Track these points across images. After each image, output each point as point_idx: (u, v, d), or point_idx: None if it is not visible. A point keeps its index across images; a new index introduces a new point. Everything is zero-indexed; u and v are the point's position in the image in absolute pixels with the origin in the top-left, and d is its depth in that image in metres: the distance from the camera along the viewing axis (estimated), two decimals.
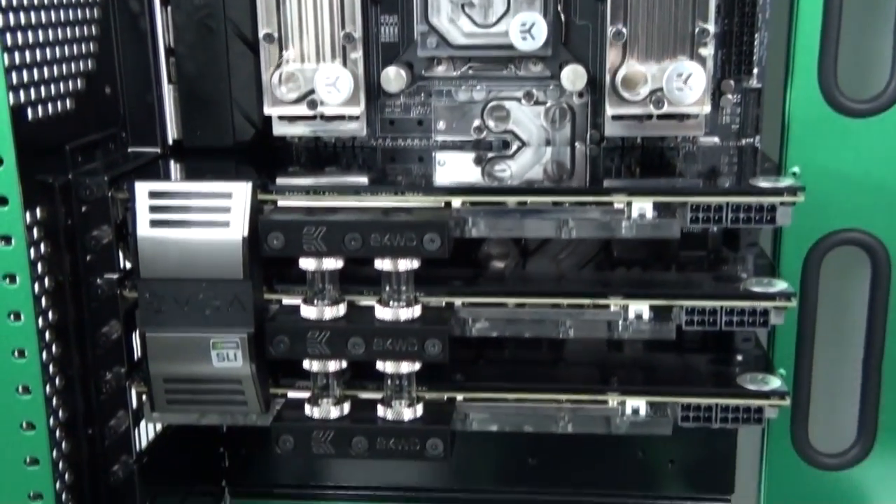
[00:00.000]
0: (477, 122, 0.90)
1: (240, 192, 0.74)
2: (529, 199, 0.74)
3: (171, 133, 0.88)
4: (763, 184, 0.73)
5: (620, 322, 0.77)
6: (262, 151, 0.90)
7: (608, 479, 0.98)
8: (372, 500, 1.00)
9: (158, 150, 0.86)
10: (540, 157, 0.89)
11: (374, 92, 0.88)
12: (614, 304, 0.76)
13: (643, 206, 0.73)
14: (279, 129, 0.87)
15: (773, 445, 0.93)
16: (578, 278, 0.85)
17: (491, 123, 0.90)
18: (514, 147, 0.91)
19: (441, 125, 0.90)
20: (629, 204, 0.73)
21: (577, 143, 0.90)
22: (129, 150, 0.86)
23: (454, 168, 0.86)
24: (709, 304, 0.74)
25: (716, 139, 0.89)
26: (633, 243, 0.90)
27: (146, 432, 0.84)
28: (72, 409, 0.76)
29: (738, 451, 0.97)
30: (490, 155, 0.89)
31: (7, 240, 0.68)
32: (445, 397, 0.79)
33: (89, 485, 0.78)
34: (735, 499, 0.97)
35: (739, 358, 0.86)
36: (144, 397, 0.78)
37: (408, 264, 0.73)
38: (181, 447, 0.92)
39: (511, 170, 0.85)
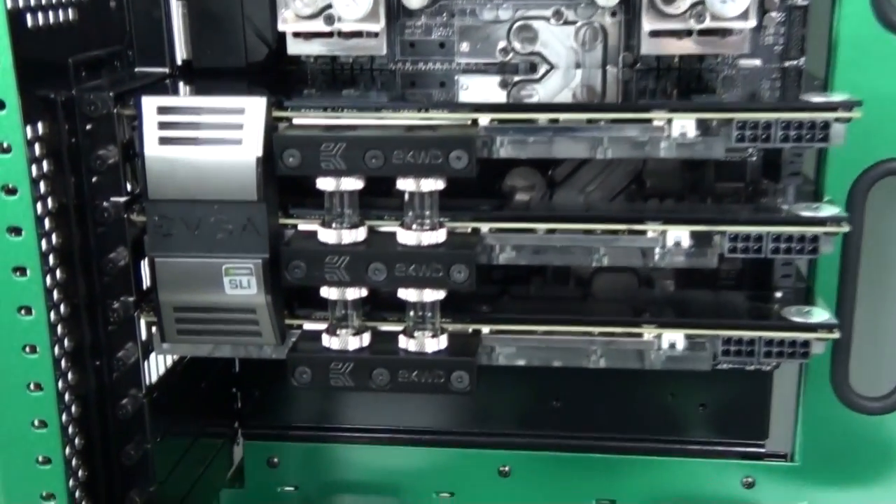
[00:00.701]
0: (502, 44, 0.85)
1: (254, 109, 0.69)
2: (562, 116, 0.69)
3: (180, 53, 0.83)
4: (816, 99, 0.67)
5: (657, 249, 0.72)
6: (276, 73, 0.85)
7: (636, 424, 0.94)
8: (390, 443, 0.97)
9: (167, 70, 0.82)
10: (569, 80, 0.84)
11: (394, 11, 0.83)
12: (652, 229, 0.71)
13: (685, 124, 0.68)
14: (294, 48, 0.82)
15: (811, 387, 0.88)
16: (609, 209, 0.80)
17: (517, 45, 0.86)
18: (542, 70, 0.86)
19: (464, 47, 0.86)
20: (669, 121, 0.68)
21: (608, 67, 0.85)
22: (136, 70, 0.81)
23: (478, 92, 0.82)
24: (754, 230, 0.70)
25: (757, 61, 0.83)
26: (667, 173, 0.86)
27: (156, 366, 0.80)
28: (78, 338, 0.73)
29: (772, 395, 0.93)
30: (516, 78, 0.84)
31: (6, 149, 0.64)
32: (470, 329, 0.75)
33: (98, 417, 0.75)
34: (769, 444, 0.94)
35: (778, 295, 0.81)
36: (154, 328, 0.75)
37: (432, 184, 0.68)
38: (193, 384, 0.89)
39: (538, 94, 0.81)
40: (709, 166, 0.86)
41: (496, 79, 0.85)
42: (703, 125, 0.68)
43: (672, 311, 0.79)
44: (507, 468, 0.96)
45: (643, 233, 0.71)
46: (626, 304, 0.81)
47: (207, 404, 0.94)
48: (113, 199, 0.72)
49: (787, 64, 0.83)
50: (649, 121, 0.69)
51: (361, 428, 0.98)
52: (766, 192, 0.83)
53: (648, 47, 0.79)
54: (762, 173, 0.85)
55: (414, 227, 0.70)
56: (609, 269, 0.84)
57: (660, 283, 0.87)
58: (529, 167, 0.85)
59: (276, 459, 0.98)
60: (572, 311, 0.78)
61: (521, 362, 0.77)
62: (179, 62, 0.83)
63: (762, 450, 0.93)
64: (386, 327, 0.74)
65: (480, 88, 0.82)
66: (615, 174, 0.86)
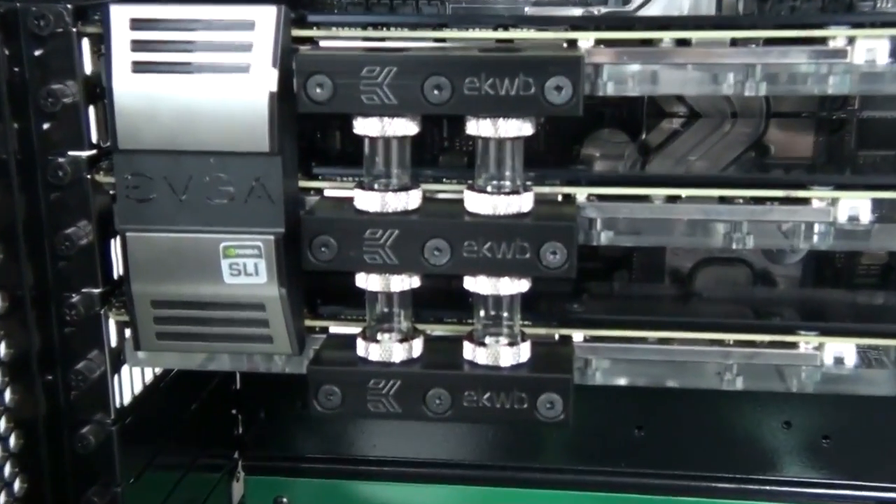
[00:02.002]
0: None
1: (266, 22, 0.51)
2: (695, 34, 0.51)
3: None
4: None
5: (821, 226, 0.53)
6: None
7: (740, 459, 0.78)
8: (423, 480, 0.83)
9: None
10: (673, 12, 0.65)
11: None
12: (819, 196, 0.51)
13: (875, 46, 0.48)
14: None
15: None
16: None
17: None
18: (637, 1, 0.66)
19: None
20: (852, 41, 0.49)
21: None
22: None
23: None
24: None
25: None
26: (795, 137, 0.69)
27: (131, 382, 0.64)
28: (20, 344, 0.59)
29: None
30: (604, 10, 0.66)
31: None
32: (557, 335, 0.57)
33: (48, 453, 0.61)
34: None
35: None
36: (127, 331, 0.59)
37: (517, 127, 0.49)
38: (180, 405, 0.73)
39: None
40: (849, 128, 0.67)
41: (577, 11, 0.66)
42: None
43: (821, 311, 0.62)
44: None
45: (806, 201, 0.52)
46: (753, 303, 0.63)
47: (199, 431, 0.78)
48: (71, 152, 0.56)
49: None
50: (824, 41, 0.49)
51: (389, 460, 0.83)
52: None
53: None
54: None
55: (489, 189, 0.51)
56: (715, 261, 0.70)
57: (783, 281, 0.70)
58: (615, 129, 0.69)
59: (284, 499, 0.85)
60: (690, 311, 0.60)
61: (623, 381, 0.59)
62: None
63: None
64: (443, 330, 0.57)
65: None
66: (726, 139, 0.68)
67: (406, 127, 0.50)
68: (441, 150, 0.63)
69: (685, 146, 0.68)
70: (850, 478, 0.78)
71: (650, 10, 0.66)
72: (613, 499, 0.80)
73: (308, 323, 0.58)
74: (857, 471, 0.78)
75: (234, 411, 0.84)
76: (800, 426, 0.77)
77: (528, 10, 0.67)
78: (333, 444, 0.84)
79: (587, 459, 0.80)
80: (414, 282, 0.53)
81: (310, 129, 0.55)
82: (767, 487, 0.78)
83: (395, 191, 0.52)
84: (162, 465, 0.70)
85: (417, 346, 0.54)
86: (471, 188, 0.52)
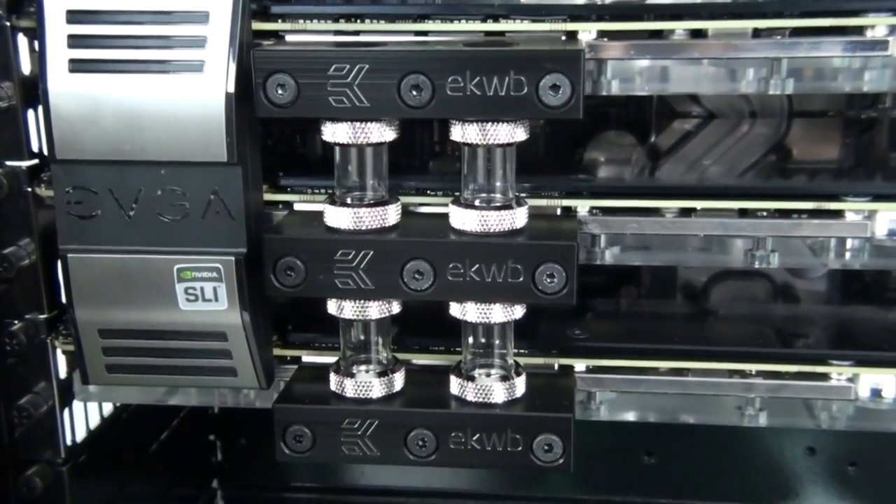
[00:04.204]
0: None
1: (222, 13, 0.45)
2: (712, 24, 0.44)
3: None
4: None
5: (856, 241, 0.46)
6: None
7: (758, 487, 0.73)
8: None
9: None
10: None
11: None
12: (854, 209, 0.45)
13: None
14: None
15: None
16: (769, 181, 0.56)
17: None
18: None
19: None
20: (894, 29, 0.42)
21: None
22: None
23: None
24: None
25: None
26: (820, 138, 0.63)
27: (85, 415, 0.58)
28: None
29: None
30: None
31: None
32: (557, 365, 0.50)
33: None
34: None
35: None
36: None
37: (508, 132, 0.43)
38: (146, 435, 0.68)
39: None
40: (880, 129, 0.61)
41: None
42: None
43: (852, 337, 0.55)
44: None
45: (839, 214, 0.45)
46: (773, 326, 0.57)
47: (172, 461, 0.72)
48: (9, 163, 0.51)
49: None
50: (861, 30, 0.42)
51: (380, 489, 0.78)
52: None
53: None
54: None
55: (477, 203, 0.45)
56: (731, 274, 0.64)
57: (812, 295, 0.63)
58: (621, 131, 0.63)
59: None
60: (706, 337, 0.53)
61: (632, 417, 0.52)
62: None
63: None
64: (427, 360, 0.52)
65: None
66: (744, 141, 0.62)
67: (381, 133, 0.44)
68: (429, 155, 0.57)
69: (699, 149, 0.62)
70: None
71: None
72: None
73: (278, 352, 0.52)
74: (886, 500, 0.72)
75: (212, 437, 0.78)
76: (825, 451, 0.71)
77: None
78: (320, 473, 0.79)
79: (593, 488, 0.74)
80: (394, 308, 0.47)
81: (276, 134, 0.48)
82: None
83: (369, 205, 0.45)
84: (127, 500, 0.64)
85: (399, 380, 0.48)
86: (456, 202, 0.46)
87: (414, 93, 0.42)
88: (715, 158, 0.62)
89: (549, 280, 0.44)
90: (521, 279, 0.44)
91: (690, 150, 0.62)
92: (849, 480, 0.72)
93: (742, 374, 0.50)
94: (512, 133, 0.43)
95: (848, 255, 0.48)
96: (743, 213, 0.48)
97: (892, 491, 0.72)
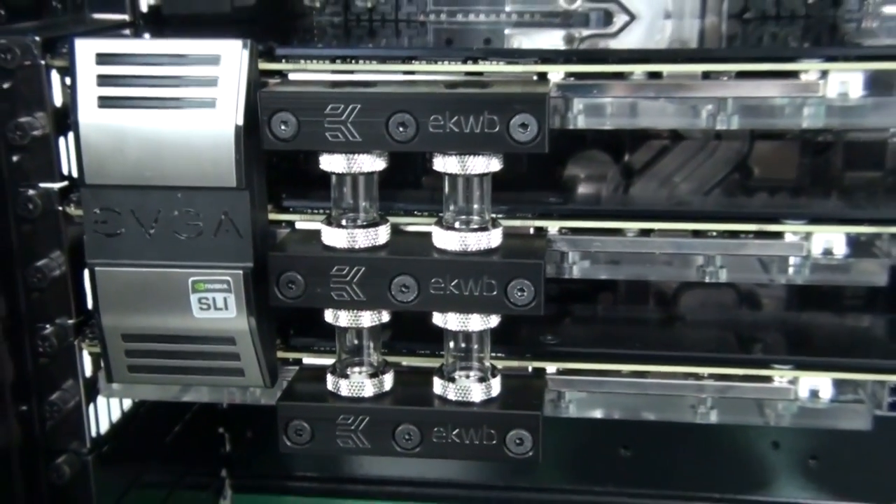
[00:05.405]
0: None
1: (232, 56, 0.50)
2: (667, 68, 0.49)
3: None
4: None
5: (795, 259, 0.52)
6: (272, 24, 0.65)
7: (728, 479, 0.77)
8: (414, 499, 0.82)
9: (127, 18, 0.62)
10: (655, 34, 0.64)
11: None
12: (793, 230, 0.50)
13: (846, 80, 0.47)
14: None
15: None
16: (718, 205, 0.60)
17: None
18: (620, 22, 0.67)
19: None
20: (825, 74, 0.48)
21: (708, 16, 0.64)
22: (89, 16, 0.62)
23: None
24: None
25: None
26: (781, 158, 0.68)
27: (108, 411, 0.63)
28: None
29: None
30: (585, 33, 0.66)
31: None
32: (530, 368, 0.56)
33: (23, 483, 0.59)
34: None
35: None
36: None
37: (483, 164, 0.48)
38: (162, 428, 0.72)
39: None
40: (836, 150, 0.66)
41: (558, 33, 0.65)
42: (875, 80, 0.47)
43: (798, 342, 0.60)
44: None
45: (779, 235, 0.51)
46: (731, 332, 0.62)
47: (184, 451, 0.76)
48: (42, 185, 0.55)
49: None
50: (795, 74, 0.48)
51: (380, 479, 0.82)
52: None
53: None
54: None
55: (457, 225, 0.50)
56: (692, 285, 0.68)
57: (769, 303, 0.68)
58: (597, 150, 0.68)
59: None
60: (666, 342, 0.58)
61: (597, 413, 0.57)
62: (145, 7, 0.64)
63: None
64: (415, 362, 0.56)
65: (538, 46, 0.63)
66: (711, 160, 0.66)
67: (372, 163, 0.49)
68: (423, 172, 0.62)
69: (669, 168, 0.66)
70: (837, 497, 0.76)
71: (632, 34, 0.65)
72: None
73: (281, 355, 0.57)
74: (843, 491, 0.77)
75: (221, 430, 0.82)
76: (788, 446, 0.76)
77: (508, 32, 0.67)
78: (321, 463, 0.83)
79: (573, 480, 0.79)
80: (384, 316, 0.52)
81: (280, 161, 0.54)
82: None
83: (362, 226, 0.51)
84: (145, 486, 0.69)
85: (388, 380, 0.54)
86: (439, 223, 0.51)
87: (400, 129, 0.48)
88: (684, 176, 0.66)
89: (519, 294, 0.49)
90: (495, 293, 0.49)
91: (662, 168, 0.67)
92: (810, 472, 0.76)
93: (696, 376, 0.55)
94: (487, 164, 0.49)
95: (791, 270, 0.53)
96: (696, 233, 0.54)
97: (847, 482, 0.76)
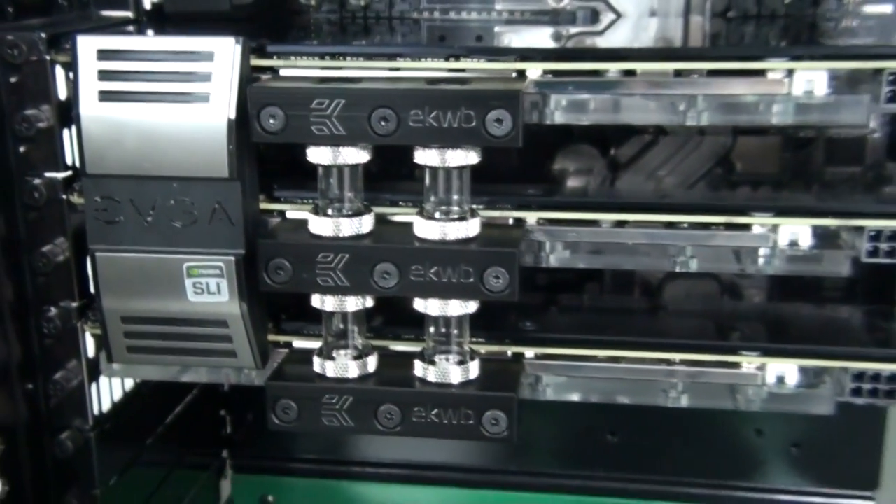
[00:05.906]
0: None
1: (224, 53, 0.52)
2: (640, 66, 0.52)
3: None
4: None
5: (764, 251, 0.54)
6: (269, 21, 0.67)
7: (713, 466, 0.79)
8: (410, 482, 0.84)
9: (130, 15, 0.65)
10: (640, 33, 0.66)
11: None
12: (760, 223, 0.53)
13: (812, 77, 0.49)
14: None
15: None
16: (694, 196, 0.62)
17: None
18: (606, 20, 0.69)
19: None
20: (791, 73, 0.50)
21: (692, 15, 0.66)
22: (94, 13, 0.65)
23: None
24: None
25: (888, 7, 0.64)
26: (761, 154, 0.69)
27: (110, 390, 0.65)
28: (1, 355, 0.59)
29: (886, 434, 0.77)
30: (573, 30, 0.68)
31: None
32: (510, 352, 0.58)
33: (28, 458, 0.62)
34: (880, 497, 0.78)
35: None
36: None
37: (462, 157, 0.51)
38: (163, 408, 0.74)
39: None
40: (816, 146, 0.68)
41: (547, 31, 0.68)
42: (841, 79, 0.49)
43: (770, 330, 0.62)
44: None
45: (747, 227, 0.53)
46: (708, 320, 0.64)
47: (186, 431, 0.78)
48: (47, 174, 0.57)
49: None
50: (763, 73, 0.50)
51: (376, 462, 0.84)
52: (894, 178, 0.65)
53: None
54: (887, 154, 0.66)
55: (437, 215, 0.53)
56: (685, 274, 0.68)
57: (749, 293, 0.70)
58: (585, 144, 0.69)
59: (270, 498, 0.85)
60: (641, 330, 0.60)
61: (575, 397, 0.60)
62: (148, 4, 0.66)
63: (870, 503, 0.78)
64: (398, 346, 0.59)
65: (526, 43, 0.66)
66: (694, 155, 0.68)
67: (357, 155, 0.52)
68: (408, 165, 0.64)
69: (654, 162, 0.68)
70: (820, 484, 0.78)
71: (618, 31, 0.67)
72: (588, 502, 0.81)
73: (273, 338, 0.59)
74: (825, 478, 0.78)
75: (222, 412, 0.84)
76: (771, 433, 0.77)
77: (498, 29, 0.69)
78: (321, 445, 0.84)
79: (561, 464, 0.80)
80: (368, 301, 0.55)
81: (270, 153, 0.56)
82: (738, 493, 0.79)
83: (347, 216, 0.53)
84: (146, 464, 0.71)
85: (372, 363, 0.56)
86: (421, 213, 0.53)
87: (382, 123, 0.50)
88: (669, 170, 0.68)
89: (494, 281, 0.51)
90: (472, 280, 0.51)
91: (647, 162, 0.68)
92: (792, 459, 0.78)
93: (667, 362, 0.57)
94: (465, 157, 0.51)
95: (761, 261, 0.55)
96: (669, 224, 0.56)
97: (828, 469, 0.77)
